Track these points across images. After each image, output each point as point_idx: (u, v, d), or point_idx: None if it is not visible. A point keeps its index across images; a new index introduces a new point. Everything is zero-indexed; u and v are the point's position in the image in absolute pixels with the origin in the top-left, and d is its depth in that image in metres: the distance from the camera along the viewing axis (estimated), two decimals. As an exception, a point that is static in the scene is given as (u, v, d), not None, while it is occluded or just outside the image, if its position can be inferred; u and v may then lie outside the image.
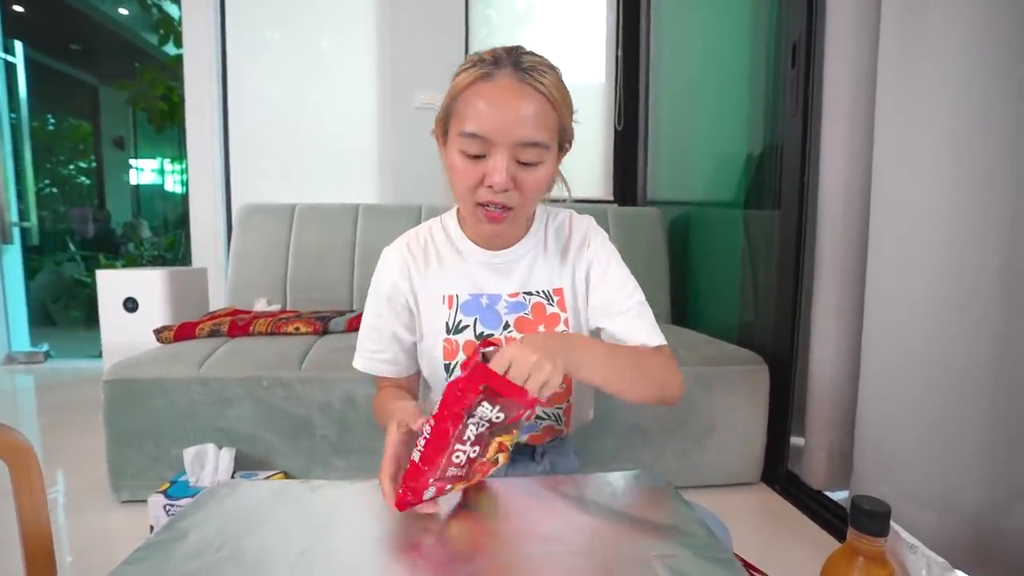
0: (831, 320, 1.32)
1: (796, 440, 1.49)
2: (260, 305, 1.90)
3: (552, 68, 0.67)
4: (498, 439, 0.52)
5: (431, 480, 0.48)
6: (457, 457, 0.49)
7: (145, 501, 1.19)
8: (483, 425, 0.49)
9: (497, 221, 0.67)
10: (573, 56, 2.62)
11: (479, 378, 0.46)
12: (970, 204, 0.98)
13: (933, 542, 0.54)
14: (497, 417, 0.48)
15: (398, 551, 0.48)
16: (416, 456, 0.48)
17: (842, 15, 1.25)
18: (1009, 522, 0.95)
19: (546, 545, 0.48)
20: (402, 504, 0.50)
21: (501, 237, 0.74)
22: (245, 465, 1.33)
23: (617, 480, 0.61)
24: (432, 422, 0.48)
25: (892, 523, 0.54)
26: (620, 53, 2.59)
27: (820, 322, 1.35)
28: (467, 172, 0.65)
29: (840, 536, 1.22)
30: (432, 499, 0.51)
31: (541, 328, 0.76)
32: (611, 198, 2.66)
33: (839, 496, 1.34)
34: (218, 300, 2.34)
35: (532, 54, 0.66)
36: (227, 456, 1.27)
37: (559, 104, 0.66)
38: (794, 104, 1.42)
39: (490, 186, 0.64)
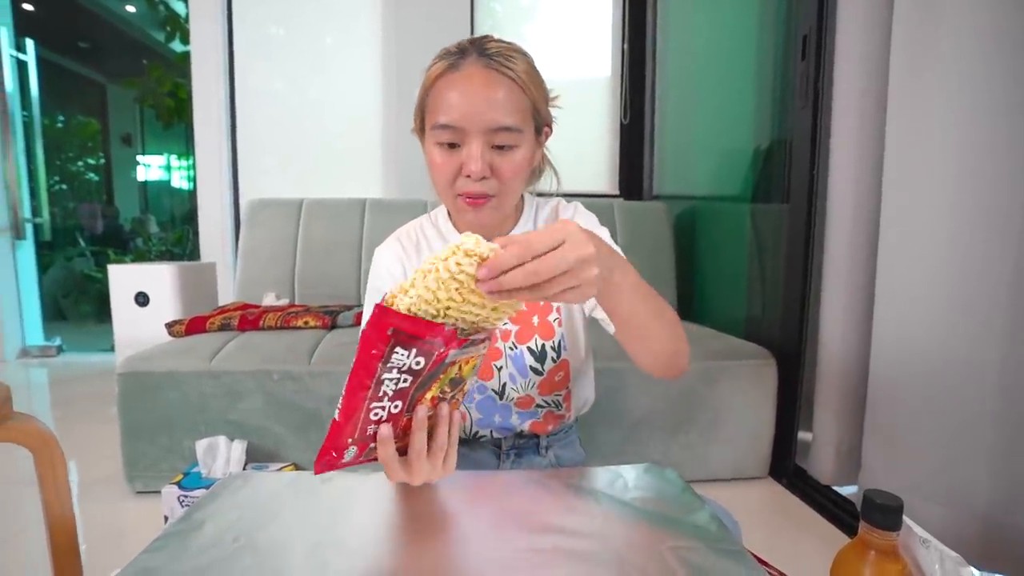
0: (840, 315, 1.31)
1: (804, 435, 1.49)
2: (269, 299, 1.91)
3: (520, 53, 0.67)
4: (430, 394, 0.47)
5: (349, 440, 0.44)
6: (375, 414, 0.44)
7: (159, 492, 1.20)
8: (404, 380, 0.43)
9: (478, 206, 0.66)
10: (578, 50, 2.60)
11: (384, 322, 0.40)
12: (981, 199, 0.97)
13: (942, 537, 0.53)
14: (416, 363, 0.42)
15: (410, 542, 0.49)
16: (336, 414, 0.44)
17: (853, 7, 1.24)
18: (1018, 517, 0.95)
19: (558, 536, 0.48)
20: (321, 465, 0.45)
21: (487, 227, 0.73)
22: (256, 457, 1.34)
23: (627, 472, 0.61)
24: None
25: (904, 517, 0.53)
26: (626, 47, 2.57)
27: (829, 317, 1.34)
28: (444, 164, 0.65)
29: (849, 531, 1.22)
30: (354, 460, 0.47)
31: (535, 319, 0.75)
32: (616, 192, 2.64)
33: (847, 491, 1.33)
34: (227, 295, 2.35)
35: (499, 41, 0.66)
36: (239, 448, 1.28)
37: (529, 87, 0.65)
38: (804, 97, 1.41)
39: (468, 175, 0.64)
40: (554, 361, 0.76)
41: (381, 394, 0.43)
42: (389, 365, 0.41)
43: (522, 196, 0.78)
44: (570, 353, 0.77)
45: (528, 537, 0.48)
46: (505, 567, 0.44)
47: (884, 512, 0.51)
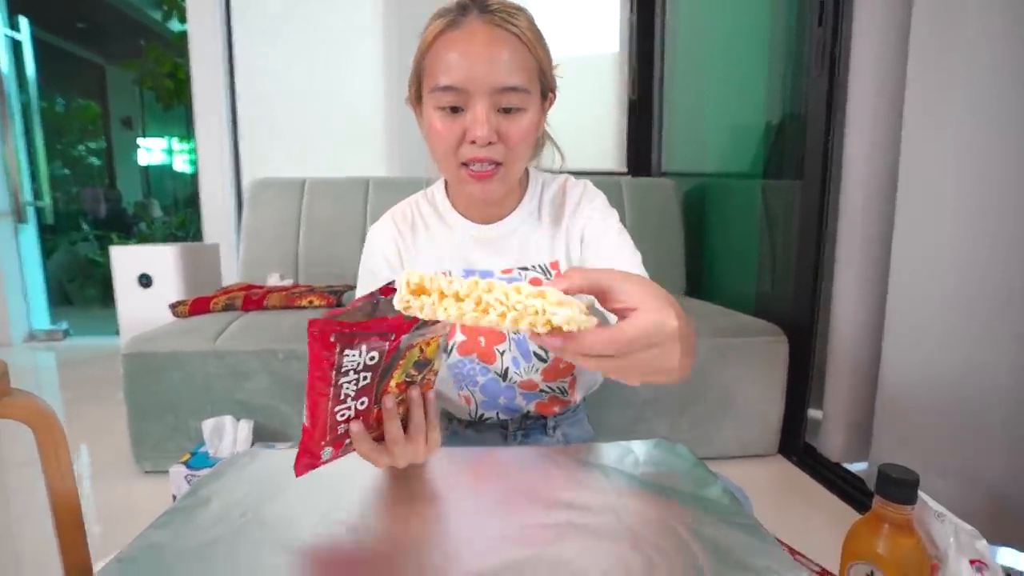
0: (853, 291, 1.29)
1: (813, 412, 1.48)
2: (273, 280, 1.91)
3: (521, 9, 0.63)
4: (394, 381, 0.47)
5: (323, 443, 0.45)
6: (342, 415, 0.44)
7: (167, 471, 1.22)
8: (363, 378, 0.43)
9: (485, 179, 0.62)
10: (585, 24, 2.54)
11: (325, 331, 0.39)
12: (1002, 176, 0.94)
13: (953, 512, 0.53)
14: (371, 359, 0.42)
15: (417, 517, 0.48)
16: (304, 418, 0.44)
17: (873, -31, 1.19)
18: (1034, 492, 0.94)
19: (568, 511, 0.47)
20: (300, 467, 0.45)
21: (492, 202, 0.69)
22: (262, 436, 1.35)
23: (638, 448, 0.60)
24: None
25: (920, 492, 0.53)
26: (634, 19, 2.51)
27: (842, 293, 1.32)
28: (446, 130, 0.61)
29: (859, 507, 1.22)
30: (333, 458, 0.48)
31: None
32: (624, 169, 2.61)
33: (857, 468, 1.33)
34: (231, 276, 2.36)
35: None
36: (245, 428, 1.29)
37: (534, 45, 0.62)
38: (819, 66, 1.36)
39: (473, 141, 0.60)
40: None
41: (343, 397, 0.43)
42: (343, 369, 0.41)
43: (526, 170, 0.75)
44: None
45: (537, 512, 0.48)
46: (515, 542, 0.43)
47: (900, 486, 0.51)
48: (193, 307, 1.60)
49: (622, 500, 0.50)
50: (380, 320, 0.42)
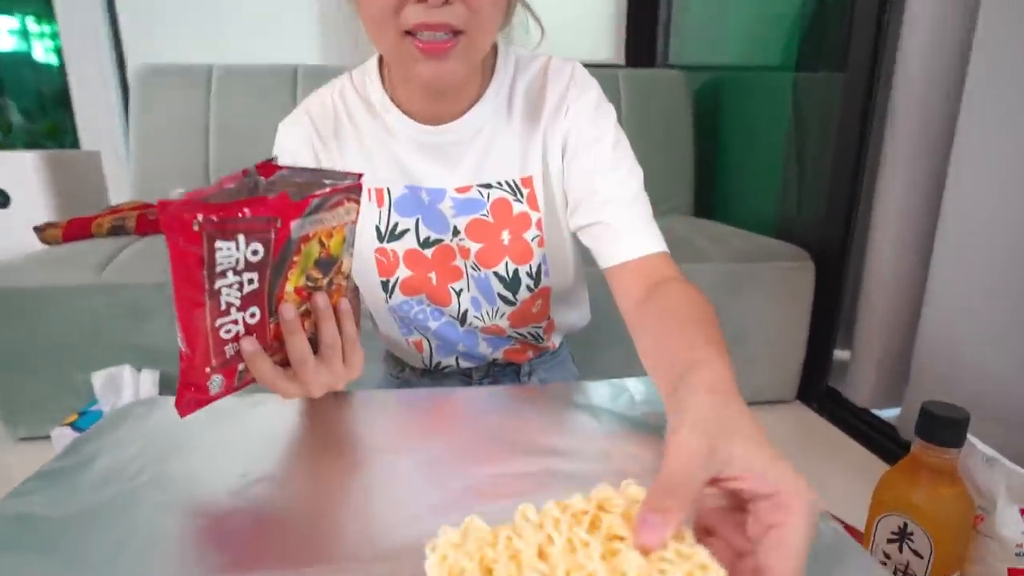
0: (899, 209, 1.31)
1: (839, 353, 1.53)
2: (176, 196, 1.84)
3: None
4: (290, 285, 0.44)
5: (207, 370, 0.43)
6: (227, 331, 0.42)
7: (48, 437, 1.21)
8: (248, 281, 0.41)
9: (439, 53, 0.53)
10: None
11: (182, 217, 0.36)
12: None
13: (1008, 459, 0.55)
14: (253, 253, 0.40)
15: (362, 471, 0.48)
16: (180, 341, 0.42)
17: None
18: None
19: (550, 458, 0.47)
20: (185, 405, 0.44)
21: (447, 89, 0.61)
22: (172, 389, 1.34)
23: (634, 385, 0.61)
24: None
25: (968, 435, 0.54)
26: None
27: (884, 211, 1.34)
28: None
29: (889, 458, 1.29)
30: (226, 390, 0.46)
31: (505, 236, 0.67)
32: (621, 61, 2.58)
33: (887, 415, 1.40)
34: (121, 193, 2.28)
35: None
36: (148, 379, 1.28)
37: None
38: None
39: (421, 0, 0.51)
40: (530, 290, 0.71)
41: (224, 307, 0.41)
42: (218, 269, 0.39)
43: (494, 46, 0.67)
44: (553, 279, 0.72)
45: (511, 460, 0.47)
46: (482, 495, 0.43)
47: (946, 426, 0.52)
48: (69, 230, 1.55)
49: (615, 444, 0.50)
50: (258, 200, 0.38)
